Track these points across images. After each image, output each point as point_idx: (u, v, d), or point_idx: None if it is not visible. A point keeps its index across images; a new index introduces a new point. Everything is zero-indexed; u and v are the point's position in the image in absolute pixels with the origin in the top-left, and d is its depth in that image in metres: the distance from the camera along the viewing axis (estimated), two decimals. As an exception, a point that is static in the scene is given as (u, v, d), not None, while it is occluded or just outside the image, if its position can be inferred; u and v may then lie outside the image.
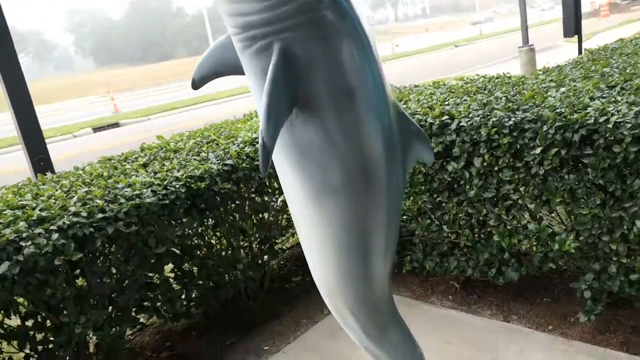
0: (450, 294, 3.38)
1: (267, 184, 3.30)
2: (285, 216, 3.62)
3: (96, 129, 16.12)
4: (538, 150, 2.43)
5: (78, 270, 2.30)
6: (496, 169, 2.63)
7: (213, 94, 20.98)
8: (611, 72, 3.08)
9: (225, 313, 3.56)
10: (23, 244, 2.02)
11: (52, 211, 2.22)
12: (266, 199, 3.38)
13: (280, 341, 3.20)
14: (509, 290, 3.23)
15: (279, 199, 3.55)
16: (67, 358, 2.30)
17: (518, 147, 2.52)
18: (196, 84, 1.73)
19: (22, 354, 2.38)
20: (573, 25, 8.41)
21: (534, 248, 2.75)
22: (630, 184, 2.29)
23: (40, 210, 2.23)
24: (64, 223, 2.16)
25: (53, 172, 3.36)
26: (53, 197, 2.38)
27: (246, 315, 3.51)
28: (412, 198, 3.11)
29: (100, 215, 2.26)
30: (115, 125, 17.14)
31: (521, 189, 2.67)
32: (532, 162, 2.50)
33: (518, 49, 11.41)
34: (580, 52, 8.33)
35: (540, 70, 3.94)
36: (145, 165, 2.86)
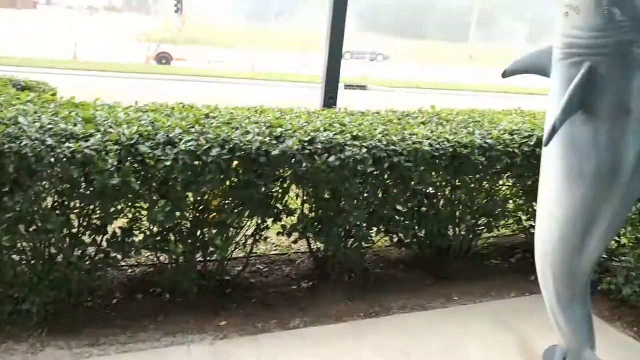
0: (637, 326, 3.61)
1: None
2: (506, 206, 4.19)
3: (347, 87, 17.98)
4: None
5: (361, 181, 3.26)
6: None
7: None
8: None
9: (431, 260, 4.31)
10: (346, 148, 3.04)
11: (362, 134, 3.20)
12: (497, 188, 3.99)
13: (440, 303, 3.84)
14: None
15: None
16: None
17: None
18: (507, 75, 2.46)
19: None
20: None
21: None
22: None
23: (356, 130, 3.24)
24: (369, 144, 3.13)
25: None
26: (361, 126, 3.37)
27: (444, 267, 4.22)
28: (634, 228, 3.41)
29: (392, 148, 3.17)
30: (364, 87, 18.99)
31: None
32: None
33: None
34: None
35: None
36: (424, 124, 3.71)
